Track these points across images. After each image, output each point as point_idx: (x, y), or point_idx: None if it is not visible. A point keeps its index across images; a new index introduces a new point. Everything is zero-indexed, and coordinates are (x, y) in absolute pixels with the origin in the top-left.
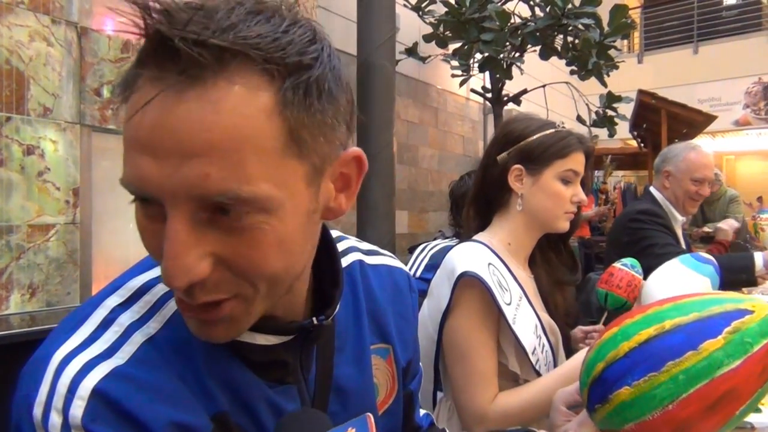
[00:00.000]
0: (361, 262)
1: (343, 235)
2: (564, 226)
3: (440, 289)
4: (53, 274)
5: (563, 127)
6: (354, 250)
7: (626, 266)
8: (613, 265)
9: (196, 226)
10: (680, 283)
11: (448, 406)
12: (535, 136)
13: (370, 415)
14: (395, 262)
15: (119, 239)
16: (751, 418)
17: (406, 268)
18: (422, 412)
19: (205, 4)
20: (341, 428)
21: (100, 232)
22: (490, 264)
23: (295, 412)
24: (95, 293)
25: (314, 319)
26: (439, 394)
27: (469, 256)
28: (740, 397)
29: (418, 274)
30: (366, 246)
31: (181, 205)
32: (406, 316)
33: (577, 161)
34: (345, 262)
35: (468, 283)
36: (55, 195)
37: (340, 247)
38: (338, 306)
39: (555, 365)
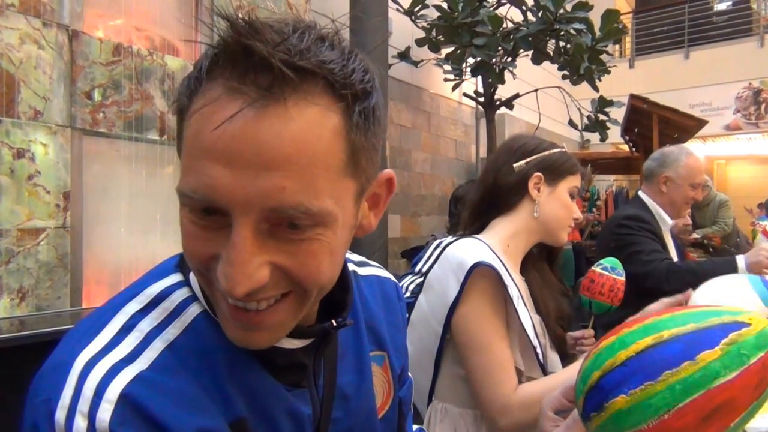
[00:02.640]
0: (354, 273)
1: None
2: (565, 238)
3: (444, 283)
4: (43, 279)
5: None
6: (347, 261)
7: (606, 270)
8: (593, 269)
9: (259, 235)
10: (732, 291)
11: (439, 408)
12: (552, 151)
13: None
14: (384, 273)
15: (110, 243)
16: None
17: (394, 279)
18: (415, 427)
19: (274, 24)
20: None
21: (91, 236)
22: (493, 259)
23: None
24: (110, 299)
25: (333, 321)
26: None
27: (476, 249)
28: (736, 409)
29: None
30: (356, 257)
31: (250, 215)
32: (397, 324)
33: (579, 180)
34: None
35: (482, 272)
36: (45, 199)
37: None
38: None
39: (543, 367)
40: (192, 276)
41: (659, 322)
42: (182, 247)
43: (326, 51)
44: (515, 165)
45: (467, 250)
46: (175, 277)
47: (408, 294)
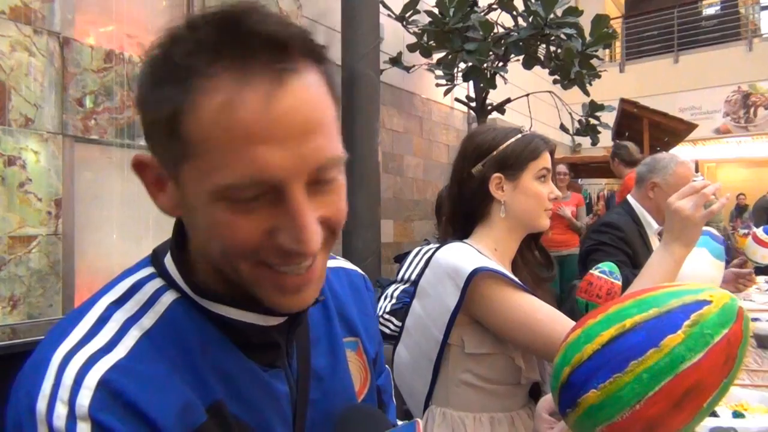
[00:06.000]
0: None
1: None
2: (546, 223)
3: (439, 289)
4: (35, 286)
5: (528, 130)
6: None
7: (604, 273)
8: (591, 272)
9: (308, 197)
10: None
11: (437, 412)
12: (506, 143)
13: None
14: (350, 265)
15: (102, 250)
16: (735, 423)
17: (361, 271)
18: (400, 423)
19: (247, 7)
20: None
21: (83, 243)
22: (488, 262)
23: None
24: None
25: None
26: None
27: (469, 254)
28: (706, 389)
29: (413, 277)
30: None
31: (301, 181)
32: (367, 312)
33: (546, 160)
34: None
35: (486, 275)
36: (36, 206)
37: None
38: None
39: (538, 366)
40: (168, 265)
41: (622, 309)
42: (224, 243)
43: (291, 24)
44: (473, 170)
45: (461, 256)
46: (148, 270)
47: (393, 300)
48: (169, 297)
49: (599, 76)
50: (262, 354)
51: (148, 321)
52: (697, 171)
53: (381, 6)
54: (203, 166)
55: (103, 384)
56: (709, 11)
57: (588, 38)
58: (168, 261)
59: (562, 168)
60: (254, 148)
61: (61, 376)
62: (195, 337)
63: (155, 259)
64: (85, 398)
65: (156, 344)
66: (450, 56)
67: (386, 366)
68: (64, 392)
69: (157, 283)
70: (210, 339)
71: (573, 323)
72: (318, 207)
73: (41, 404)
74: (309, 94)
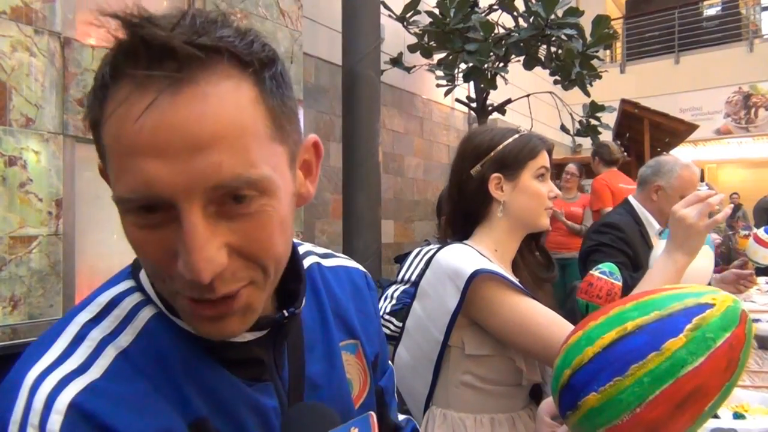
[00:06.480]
0: (318, 264)
1: (299, 241)
2: (546, 223)
3: (440, 290)
4: (35, 287)
5: (525, 130)
6: (311, 254)
7: (604, 274)
8: (591, 272)
9: (209, 219)
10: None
11: (437, 413)
12: (505, 143)
13: (373, 414)
14: (351, 263)
15: (103, 250)
16: (735, 424)
17: (363, 269)
18: (401, 417)
19: (162, 15)
20: (344, 427)
21: (84, 244)
22: (489, 264)
23: (305, 404)
24: (67, 312)
25: (284, 311)
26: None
27: (470, 256)
28: (707, 393)
29: (413, 278)
30: (321, 250)
31: (195, 200)
32: (368, 312)
33: (545, 159)
34: (304, 264)
35: (483, 278)
36: (37, 206)
37: (299, 250)
38: (304, 300)
39: (539, 367)
40: (144, 280)
41: (623, 312)
42: (143, 261)
43: (221, 29)
44: (472, 171)
45: (461, 258)
46: (127, 284)
47: (394, 301)
48: (147, 313)
49: (600, 77)
50: (245, 369)
51: (125, 339)
52: (702, 180)
53: (381, 6)
54: (112, 176)
55: (73, 407)
56: (709, 12)
57: (589, 39)
58: (143, 274)
59: (572, 168)
60: (139, 160)
61: (32, 400)
62: (174, 353)
63: (135, 270)
64: (55, 423)
65: (133, 363)
66: (451, 57)
67: (390, 364)
68: (34, 417)
69: (135, 297)
70: (190, 355)
71: (573, 327)
72: (224, 232)
73: (13, 429)
74: (211, 106)
